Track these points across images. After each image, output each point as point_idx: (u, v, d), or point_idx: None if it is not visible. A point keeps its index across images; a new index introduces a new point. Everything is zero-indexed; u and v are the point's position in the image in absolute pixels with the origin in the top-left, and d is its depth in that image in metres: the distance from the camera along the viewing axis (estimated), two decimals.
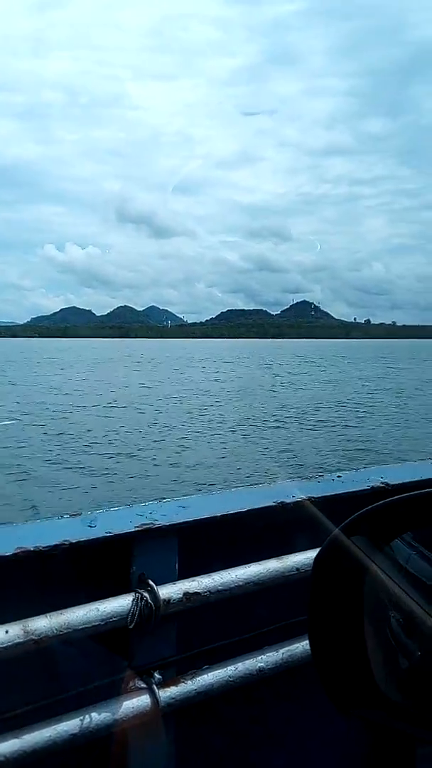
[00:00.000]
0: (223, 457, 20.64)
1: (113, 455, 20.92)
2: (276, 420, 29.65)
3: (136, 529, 1.73)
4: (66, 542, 1.61)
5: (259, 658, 1.86)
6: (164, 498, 2.00)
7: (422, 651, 0.83)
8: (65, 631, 1.51)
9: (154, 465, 19.59)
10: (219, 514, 1.88)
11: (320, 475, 2.31)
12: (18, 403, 36.56)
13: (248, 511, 1.93)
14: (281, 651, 1.89)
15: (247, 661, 1.84)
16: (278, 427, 27.44)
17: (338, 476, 2.27)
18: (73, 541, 1.62)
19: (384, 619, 0.83)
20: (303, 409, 33.98)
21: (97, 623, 1.56)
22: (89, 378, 59.90)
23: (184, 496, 2.01)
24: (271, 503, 1.98)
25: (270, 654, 1.88)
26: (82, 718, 1.54)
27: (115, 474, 18.32)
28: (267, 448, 22.40)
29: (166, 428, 27.11)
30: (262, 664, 1.86)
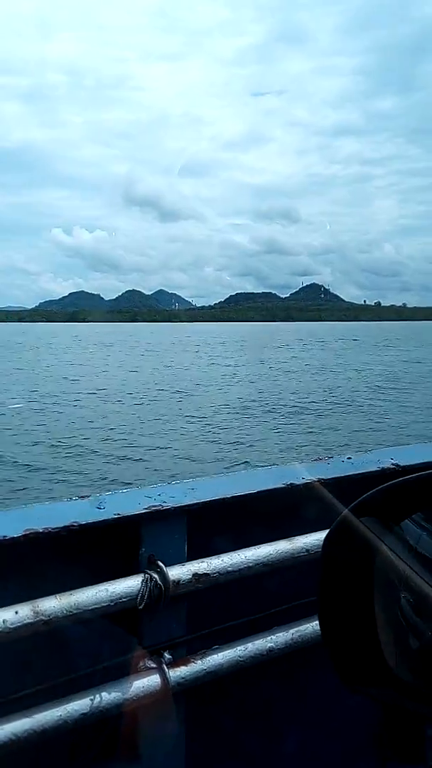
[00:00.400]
0: (232, 440, 20.64)
1: (122, 439, 20.96)
2: (284, 403, 29.59)
3: (145, 510, 1.73)
4: (75, 524, 1.61)
5: (269, 638, 1.87)
6: (173, 480, 2.00)
7: None
8: (75, 612, 1.52)
9: (163, 448, 19.62)
10: (228, 496, 1.87)
11: (330, 457, 2.30)
12: (23, 387, 36.61)
13: (257, 492, 1.93)
14: (291, 631, 1.90)
15: (257, 642, 1.85)
16: (287, 410, 27.38)
17: (348, 458, 2.26)
18: (82, 523, 1.63)
19: (394, 600, 0.82)
20: (310, 392, 33.91)
21: (106, 604, 1.57)
22: (95, 362, 59.83)
23: (193, 478, 2.01)
24: (280, 485, 1.98)
25: (279, 634, 1.88)
26: (92, 697, 1.55)
27: (125, 457, 18.36)
28: (276, 431, 22.38)
29: (176, 412, 27.11)
30: (271, 645, 1.86)
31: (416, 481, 0.78)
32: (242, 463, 16.93)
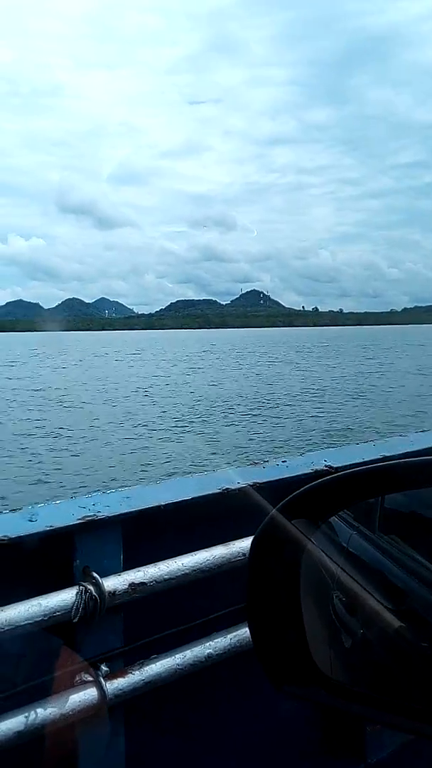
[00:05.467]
0: (167, 449, 20.54)
1: (54, 450, 20.53)
2: (218, 409, 29.67)
3: (79, 521, 1.70)
4: (5, 538, 1.57)
5: (207, 644, 1.86)
6: (107, 489, 1.97)
7: (364, 630, 0.83)
8: (7, 628, 1.47)
9: (98, 458, 19.34)
10: (163, 503, 1.86)
11: (265, 461, 2.31)
12: None
13: (193, 499, 1.92)
14: (229, 636, 1.89)
15: (195, 649, 1.84)
16: (220, 417, 27.45)
17: (283, 461, 2.28)
18: (13, 536, 1.58)
19: (326, 599, 0.82)
20: (243, 397, 34.13)
21: (40, 618, 1.53)
22: (22, 374, 58.48)
23: (127, 487, 1.99)
24: (215, 490, 1.97)
25: (218, 640, 1.88)
26: (27, 714, 1.51)
27: (58, 468, 18.01)
28: (211, 438, 22.41)
29: (108, 422, 26.74)
30: (210, 651, 1.85)
31: (341, 480, 0.78)
32: (177, 470, 16.86)
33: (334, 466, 2.22)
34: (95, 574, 1.67)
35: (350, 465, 2.26)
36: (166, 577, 1.77)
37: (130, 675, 1.71)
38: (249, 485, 2.00)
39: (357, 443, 2.91)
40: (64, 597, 1.60)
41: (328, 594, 0.83)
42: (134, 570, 1.75)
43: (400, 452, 2.49)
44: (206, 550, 1.87)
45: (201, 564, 1.83)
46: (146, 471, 17.19)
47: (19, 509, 1.74)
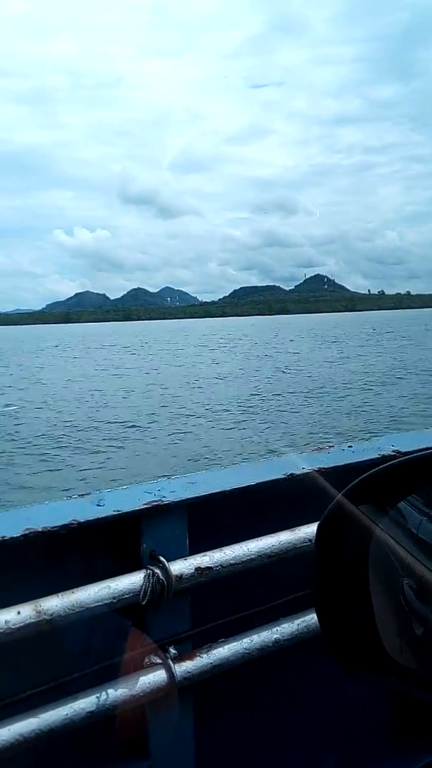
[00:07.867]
0: (231, 434, 20.62)
1: (121, 438, 20.92)
2: (282, 395, 29.56)
3: (145, 506, 1.72)
4: (74, 522, 1.60)
5: (274, 629, 1.86)
6: (173, 475, 1.99)
7: None
8: (77, 610, 1.51)
9: (163, 444, 19.60)
10: (228, 489, 1.86)
11: (330, 446, 2.29)
12: (17, 389, 36.46)
13: (257, 484, 1.92)
14: (296, 622, 1.89)
15: (262, 634, 1.84)
16: (286, 402, 27.34)
17: (349, 446, 2.25)
18: (82, 521, 1.62)
19: (396, 586, 0.81)
20: (308, 384, 33.89)
21: (109, 601, 1.56)
22: (87, 362, 59.69)
23: (192, 472, 2.00)
24: (280, 476, 1.97)
25: (285, 625, 1.88)
26: (98, 695, 1.55)
27: (124, 454, 18.34)
28: (276, 423, 22.35)
29: (173, 407, 27.07)
30: (277, 636, 1.85)
31: (409, 463, 0.76)
32: (242, 455, 16.92)
33: (402, 450, 2.17)
34: (162, 558, 1.69)
35: (418, 450, 2.21)
36: (231, 561, 1.77)
37: (198, 658, 1.73)
38: (314, 470, 1.98)
39: (426, 428, 2.83)
40: (133, 580, 1.63)
41: (398, 581, 0.81)
42: (200, 554, 1.76)
43: None
44: (271, 535, 1.87)
45: (266, 549, 1.83)
46: (211, 457, 17.33)
47: (87, 494, 1.78)
